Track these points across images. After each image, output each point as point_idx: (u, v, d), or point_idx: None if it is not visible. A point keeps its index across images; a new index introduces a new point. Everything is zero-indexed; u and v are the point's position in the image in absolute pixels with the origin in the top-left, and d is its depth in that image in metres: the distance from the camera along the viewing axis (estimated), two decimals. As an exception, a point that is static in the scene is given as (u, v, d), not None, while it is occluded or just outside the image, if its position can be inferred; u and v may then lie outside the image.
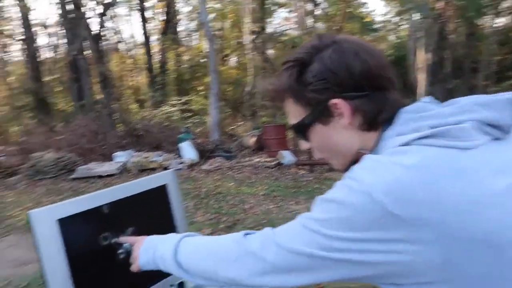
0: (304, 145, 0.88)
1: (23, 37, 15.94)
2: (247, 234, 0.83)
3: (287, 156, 8.18)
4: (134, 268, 0.99)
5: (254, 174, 7.66)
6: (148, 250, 0.95)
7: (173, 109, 15.35)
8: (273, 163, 8.10)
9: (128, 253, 1.07)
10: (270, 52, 16.37)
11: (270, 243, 0.74)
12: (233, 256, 0.79)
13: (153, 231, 1.08)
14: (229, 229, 4.66)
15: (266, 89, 0.89)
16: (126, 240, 1.05)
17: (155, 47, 18.98)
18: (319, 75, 0.76)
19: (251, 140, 10.23)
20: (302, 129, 0.83)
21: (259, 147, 9.81)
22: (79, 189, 7.15)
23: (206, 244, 0.89)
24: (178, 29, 19.25)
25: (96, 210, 1.03)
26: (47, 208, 0.94)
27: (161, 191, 1.19)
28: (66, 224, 0.96)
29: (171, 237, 0.95)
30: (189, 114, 16.07)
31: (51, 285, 0.93)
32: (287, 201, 5.63)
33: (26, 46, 15.87)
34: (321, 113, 0.79)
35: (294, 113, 0.83)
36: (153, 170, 7.97)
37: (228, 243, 0.83)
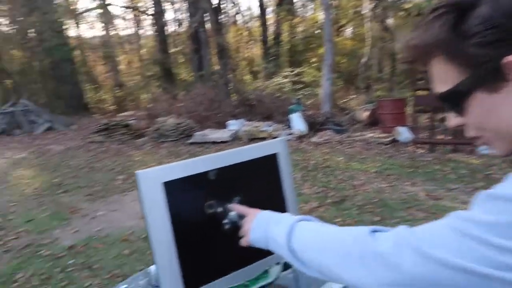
0: (453, 120, 0.66)
1: (153, 12, 17.36)
2: (374, 231, 0.67)
3: (403, 133, 7.56)
4: (243, 242, 0.92)
5: (365, 149, 7.27)
6: (260, 227, 0.87)
7: (285, 80, 15.37)
8: (387, 140, 7.58)
9: (233, 224, 1.00)
10: (390, 21, 15.14)
11: (407, 247, 0.58)
12: (356, 255, 0.65)
13: (260, 202, 0.99)
14: (337, 204, 4.49)
15: (407, 45, 0.66)
16: (237, 209, 0.98)
17: (270, 19, 19.03)
18: (489, 22, 0.55)
19: (364, 114, 9.72)
20: (455, 99, 0.62)
21: (372, 122, 9.27)
22: (196, 153, 7.61)
23: (325, 235, 0.75)
24: (293, 0, 18.95)
25: (203, 176, 0.97)
26: (154, 169, 0.90)
27: (271, 160, 1.09)
28: (172, 188, 0.92)
29: (285, 219, 0.85)
30: (301, 86, 15.94)
31: (155, 247, 0.90)
32: (401, 181, 5.21)
33: (155, 21, 17.25)
34: (487, 76, 0.57)
35: (444, 77, 0.62)
36: (262, 139, 8.09)
37: (351, 238, 0.68)
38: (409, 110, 8.36)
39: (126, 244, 3.66)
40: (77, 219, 4.48)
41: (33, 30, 17.09)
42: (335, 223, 1.02)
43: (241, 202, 1.02)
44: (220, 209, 0.99)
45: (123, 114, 14.90)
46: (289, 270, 1.13)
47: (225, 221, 1.00)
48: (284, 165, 1.10)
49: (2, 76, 16.99)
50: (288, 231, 0.79)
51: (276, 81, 15.17)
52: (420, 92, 7.15)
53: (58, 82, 17.16)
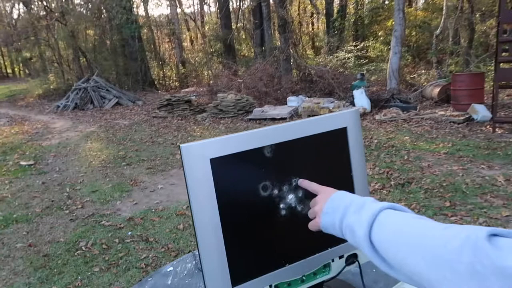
0: None
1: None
2: (494, 234, 0.48)
3: (481, 111, 6.89)
4: (312, 225, 0.79)
5: (435, 129, 6.73)
6: (336, 211, 0.73)
7: (348, 55, 14.74)
8: (461, 118, 6.95)
9: (292, 209, 0.85)
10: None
11: None
12: (464, 263, 0.47)
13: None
14: (401, 187, 4.19)
15: None
16: (307, 185, 0.85)
17: (335, -10, 18.17)
18: None
19: (434, 91, 9.00)
20: None
21: (444, 99, 8.57)
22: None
23: (420, 230, 0.58)
24: (360, -31, 17.88)
25: (257, 152, 0.83)
26: (200, 143, 0.77)
27: (339, 135, 0.91)
28: (220, 165, 0.78)
29: (368, 205, 0.69)
30: (365, 61, 15.21)
31: (198, 232, 0.78)
32: (476, 164, 4.74)
33: (219, -3, 17.21)
34: None
35: None
36: (323, 116, 7.79)
37: (459, 241, 0.50)
38: (487, 86, 7.58)
39: (182, 218, 3.69)
40: (137, 191, 4.62)
41: (104, 9, 17.84)
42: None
43: (299, 187, 0.87)
44: (276, 192, 0.85)
45: (185, 90, 15.22)
46: (354, 265, 0.97)
47: (282, 205, 0.86)
48: (354, 142, 0.93)
49: (78, 54, 18.02)
50: (370, 220, 0.64)
51: (339, 56, 14.58)
52: (503, 65, 6.42)
53: (126, 59, 17.87)
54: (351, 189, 0.94)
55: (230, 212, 0.80)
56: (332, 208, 0.74)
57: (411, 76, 12.78)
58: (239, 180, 0.81)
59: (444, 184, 4.16)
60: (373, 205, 0.67)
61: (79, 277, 2.65)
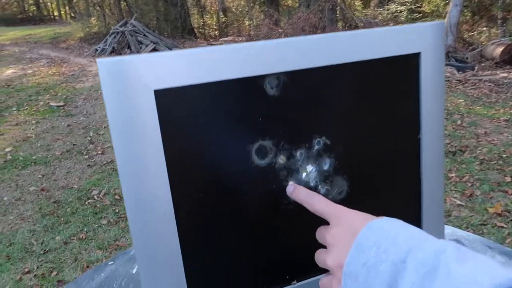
0: None
1: None
2: None
3: (551, 75, 6.03)
4: (324, 263, 0.41)
5: (495, 92, 5.99)
6: (370, 271, 0.35)
7: (401, 8, 13.56)
8: (526, 82, 6.14)
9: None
10: None
11: None
12: None
13: (368, 156, 0.46)
14: (452, 155, 3.69)
15: None
16: (306, 200, 0.46)
17: None
18: None
19: (497, 50, 8.03)
20: None
21: (507, 60, 7.65)
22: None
23: None
24: None
25: (251, 86, 0.45)
26: (137, 58, 0.40)
27: (406, 67, 0.51)
28: (176, 107, 0.42)
29: (450, 264, 0.31)
30: (418, 15, 13.99)
31: (134, 233, 0.43)
32: (543, 135, 4.12)
33: None
34: None
35: None
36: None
37: None
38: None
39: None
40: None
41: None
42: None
43: (326, 152, 0.49)
44: (282, 160, 0.47)
45: (224, 39, 14.69)
46: None
47: (292, 184, 0.49)
48: (430, 82, 0.52)
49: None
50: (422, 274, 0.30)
51: (390, 8, 13.44)
52: None
53: (167, 4, 17.41)
54: (413, 167, 0.55)
55: (192, 197, 0.44)
56: (364, 266, 0.35)
57: (470, 33, 11.60)
58: (213, 137, 0.44)
59: (504, 155, 3.61)
60: (463, 270, 0.30)
61: (85, 229, 2.46)
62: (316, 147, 0.49)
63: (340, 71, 0.48)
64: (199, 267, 0.47)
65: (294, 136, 0.47)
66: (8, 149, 4.01)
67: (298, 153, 0.48)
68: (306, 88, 0.47)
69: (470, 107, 5.30)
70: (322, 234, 0.42)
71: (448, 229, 0.85)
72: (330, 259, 0.39)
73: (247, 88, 0.44)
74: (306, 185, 0.49)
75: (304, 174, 0.49)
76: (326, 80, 0.48)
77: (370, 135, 0.51)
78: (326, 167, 0.50)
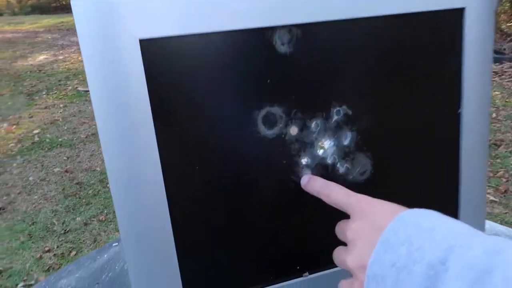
0: None
1: None
2: None
3: None
4: (343, 263, 0.34)
5: (534, 85, 5.67)
6: (400, 272, 0.27)
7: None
8: None
9: (325, 172, 0.42)
10: None
11: None
12: None
13: (394, 127, 0.38)
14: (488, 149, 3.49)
15: None
16: (321, 191, 0.39)
17: None
18: None
19: (538, 42, 7.60)
20: None
21: (549, 52, 7.21)
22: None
23: None
24: None
25: (259, 41, 0.38)
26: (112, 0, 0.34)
27: (447, 25, 0.43)
28: (166, 61, 0.35)
29: (497, 267, 0.23)
30: None
31: (120, 215, 0.37)
32: None
33: None
34: None
35: None
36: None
37: None
38: None
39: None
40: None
41: None
42: None
43: (346, 124, 0.41)
44: (294, 131, 0.40)
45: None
46: None
47: (305, 161, 0.41)
48: (475, 43, 0.44)
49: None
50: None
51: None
52: None
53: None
54: (451, 147, 0.47)
55: (185, 172, 0.38)
56: (392, 266, 0.28)
57: (508, 24, 11.05)
58: (211, 100, 0.37)
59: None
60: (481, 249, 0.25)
61: (105, 211, 2.46)
62: (335, 117, 0.41)
63: (367, 26, 0.40)
64: (195, 253, 0.41)
65: (308, 104, 0.40)
66: (36, 131, 4.09)
67: (313, 124, 0.41)
68: (324, 46, 0.39)
69: (507, 100, 5.02)
70: (341, 229, 0.35)
71: (486, 224, 0.75)
72: (350, 259, 0.32)
73: (253, 42, 0.37)
74: (322, 162, 0.42)
75: (320, 149, 0.42)
76: (350, 37, 0.40)
77: (400, 106, 0.44)
78: (346, 142, 0.42)
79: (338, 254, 0.34)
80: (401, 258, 0.27)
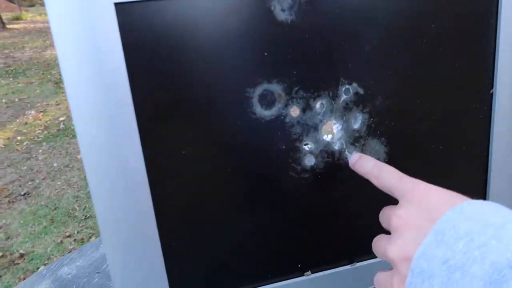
0: None
1: None
2: None
3: None
4: (383, 253, 0.28)
5: None
6: (460, 269, 0.22)
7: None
8: None
9: (330, 162, 0.37)
10: None
11: None
12: None
13: (418, 113, 0.33)
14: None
15: None
16: (371, 172, 0.34)
17: None
18: None
19: None
20: None
21: None
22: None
23: None
24: None
25: (253, 6, 0.32)
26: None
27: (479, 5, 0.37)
28: (142, 29, 0.30)
29: None
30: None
31: (97, 208, 0.33)
32: None
33: None
34: None
35: None
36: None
37: None
38: None
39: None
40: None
41: None
42: None
43: (357, 105, 0.36)
44: (295, 112, 0.35)
45: None
46: None
47: (308, 146, 0.36)
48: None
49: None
50: None
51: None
52: None
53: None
54: (480, 134, 0.41)
55: (169, 157, 0.34)
56: (444, 264, 0.22)
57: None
58: (198, 75, 0.33)
59: None
60: None
61: (125, 198, 2.48)
62: (344, 97, 0.36)
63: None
64: (183, 250, 0.36)
65: (313, 80, 0.35)
66: (61, 119, 4.17)
67: (318, 104, 0.35)
68: (331, 12, 0.34)
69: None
70: (386, 215, 0.29)
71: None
72: (393, 249, 0.26)
73: (247, 7, 0.32)
74: (328, 148, 0.37)
75: (325, 134, 0.36)
76: (362, 3, 0.34)
77: (421, 84, 0.38)
78: (356, 126, 0.37)
79: (379, 242, 0.29)
80: (456, 255, 0.22)
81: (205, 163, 0.35)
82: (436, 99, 0.38)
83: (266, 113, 0.35)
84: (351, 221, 0.39)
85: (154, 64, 0.31)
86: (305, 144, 0.36)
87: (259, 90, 0.34)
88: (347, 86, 0.36)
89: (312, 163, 0.37)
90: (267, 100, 0.34)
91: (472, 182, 0.42)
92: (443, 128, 0.39)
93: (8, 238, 2.22)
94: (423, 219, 0.25)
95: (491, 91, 0.39)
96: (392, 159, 0.38)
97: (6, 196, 2.64)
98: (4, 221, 2.36)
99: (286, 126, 0.35)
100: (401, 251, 0.26)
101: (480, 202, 0.24)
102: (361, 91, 0.36)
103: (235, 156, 0.35)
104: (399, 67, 0.36)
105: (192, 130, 0.33)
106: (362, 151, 0.37)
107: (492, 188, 0.42)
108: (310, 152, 0.36)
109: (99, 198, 0.33)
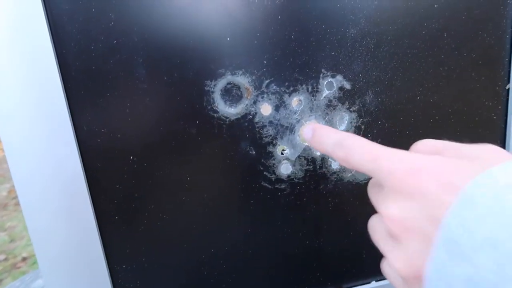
0: None
1: None
2: None
3: None
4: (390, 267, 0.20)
5: None
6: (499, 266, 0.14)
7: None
8: None
9: (307, 170, 0.30)
10: None
11: None
12: None
13: (420, 111, 0.28)
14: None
15: None
16: (328, 148, 0.22)
17: None
18: None
19: None
20: None
21: None
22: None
23: None
24: None
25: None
26: None
27: None
28: (73, 11, 0.25)
29: None
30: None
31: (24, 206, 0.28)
32: None
33: None
34: None
35: None
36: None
37: None
38: None
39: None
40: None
41: None
42: None
43: (342, 102, 0.30)
44: (266, 110, 0.29)
45: None
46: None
47: (282, 151, 0.30)
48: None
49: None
50: None
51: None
52: None
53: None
54: (495, 136, 0.34)
55: (113, 170, 0.28)
56: (468, 280, 0.14)
57: None
58: (144, 65, 0.27)
59: None
60: None
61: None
62: (326, 92, 0.30)
63: (371, -39, 0.28)
64: (129, 269, 0.31)
65: (287, 72, 0.29)
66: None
67: (294, 101, 0.29)
68: (309, -11, 0.28)
69: None
70: (376, 222, 0.21)
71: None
72: (400, 265, 0.19)
73: (202, -19, 0.26)
74: (308, 154, 0.30)
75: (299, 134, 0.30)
76: (346, -23, 0.28)
77: (422, 77, 0.31)
78: (342, 127, 0.31)
79: (385, 258, 0.21)
80: (481, 272, 0.14)
81: (156, 174, 0.29)
82: (440, 98, 0.32)
83: (230, 111, 0.29)
84: (335, 243, 0.33)
85: (90, 56, 0.26)
86: (283, 151, 0.30)
87: (221, 83, 0.28)
88: (330, 79, 0.29)
89: (289, 172, 0.31)
90: (232, 95, 0.28)
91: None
92: (452, 129, 0.33)
93: (12, 241, 2.20)
94: (423, 219, 0.17)
95: (507, 87, 0.33)
96: (386, 168, 0.32)
97: (14, 198, 2.63)
98: (9, 223, 2.34)
99: (256, 127, 0.29)
100: (409, 267, 0.18)
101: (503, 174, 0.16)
102: (347, 85, 0.30)
103: (193, 163, 0.29)
104: (396, 57, 0.30)
105: (138, 130, 0.28)
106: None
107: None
108: (286, 158, 0.30)
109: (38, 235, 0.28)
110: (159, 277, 0.31)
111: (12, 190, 2.73)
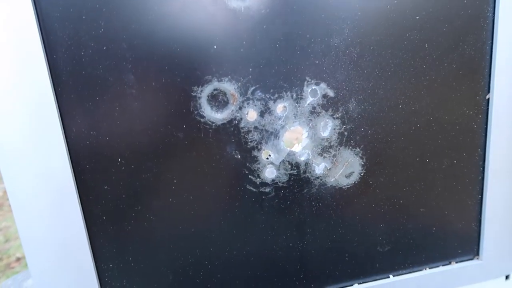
0: None
1: None
2: None
3: None
4: None
5: None
6: None
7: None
8: None
9: (294, 173, 0.31)
10: None
11: None
12: None
13: (402, 119, 0.28)
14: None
15: None
16: None
17: None
18: None
19: None
20: None
21: None
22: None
23: None
24: None
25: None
26: None
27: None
28: (62, 14, 0.26)
29: None
30: None
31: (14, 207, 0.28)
32: None
33: None
34: None
35: None
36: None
37: None
38: None
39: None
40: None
41: None
42: None
43: (326, 109, 0.31)
44: (251, 116, 0.30)
45: None
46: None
47: (267, 156, 0.31)
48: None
49: None
50: None
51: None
52: None
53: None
54: (474, 146, 0.35)
55: (101, 179, 0.29)
56: None
57: None
58: (131, 70, 0.28)
59: None
60: None
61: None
62: (310, 99, 0.31)
63: (354, -27, 0.29)
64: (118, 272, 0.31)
65: (272, 79, 0.30)
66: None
67: (278, 108, 0.30)
68: None
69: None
70: None
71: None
72: None
73: (190, -9, 0.27)
74: (292, 158, 0.31)
75: (288, 142, 0.31)
76: (330, -11, 0.29)
77: (404, 86, 0.32)
78: (326, 133, 0.31)
79: None
80: None
81: (144, 176, 0.30)
82: (420, 106, 0.33)
83: (217, 116, 0.30)
84: (318, 246, 0.34)
85: (80, 59, 0.27)
86: (268, 155, 0.31)
87: (208, 89, 0.29)
88: (313, 87, 0.30)
89: (274, 176, 0.31)
90: (218, 101, 0.29)
91: (465, 203, 0.36)
92: (431, 136, 0.34)
93: (7, 241, 2.20)
94: None
95: (487, 96, 0.34)
96: (369, 173, 0.33)
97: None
98: (4, 223, 2.35)
99: (242, 132, 0.30)
100: None
101: None
102: (331, 93, 0.31)
103: (180, 166, 0.30)
104: (378, 66, 0.31)
105: (125, 136, 0.29)
106: (333, 163, 0.32)
107: (487, 209, 0.36)
108: (271, 162, 0.31)
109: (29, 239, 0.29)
110: (145, 276, 0.32)
111: (8, 190, 2.72)
